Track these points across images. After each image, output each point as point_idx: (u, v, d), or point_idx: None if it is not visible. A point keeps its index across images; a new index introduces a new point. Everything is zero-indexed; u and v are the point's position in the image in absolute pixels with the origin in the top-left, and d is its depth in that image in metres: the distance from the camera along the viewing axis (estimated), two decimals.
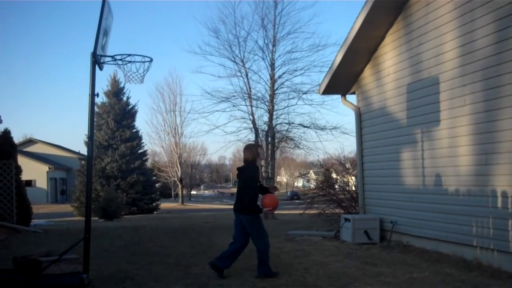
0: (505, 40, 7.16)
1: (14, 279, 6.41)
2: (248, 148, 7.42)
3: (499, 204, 7.32)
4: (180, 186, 58.41)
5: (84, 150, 54.08)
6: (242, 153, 7.82)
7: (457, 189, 8.24)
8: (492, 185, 7.46)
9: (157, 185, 48.70)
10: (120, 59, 7.06)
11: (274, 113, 24.66)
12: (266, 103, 24.77)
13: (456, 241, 8.26)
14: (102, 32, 6.74)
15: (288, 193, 73.24)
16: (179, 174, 56.46)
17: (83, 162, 42.15)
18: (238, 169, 7.39)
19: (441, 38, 8.53)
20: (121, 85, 42.28)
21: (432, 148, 8.90)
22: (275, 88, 24.71)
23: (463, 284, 6.47)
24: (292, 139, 25.78)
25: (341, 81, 11.39)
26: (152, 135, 61.95)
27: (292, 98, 24.93)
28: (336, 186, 15.04)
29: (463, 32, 8.00)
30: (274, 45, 24.93)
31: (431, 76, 8.83)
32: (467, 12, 7.87)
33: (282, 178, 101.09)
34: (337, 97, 12.16)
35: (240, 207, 7.18)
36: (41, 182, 52.82)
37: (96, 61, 6.73)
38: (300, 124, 25.11)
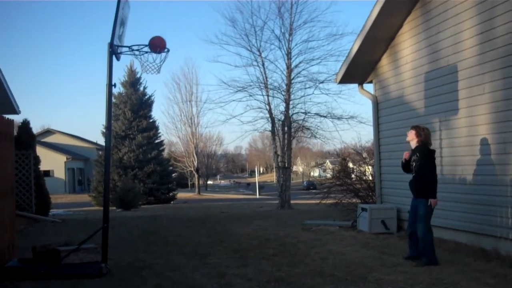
0: None
1: (33, 268, 6.50)
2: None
3: None
4: (196, 176, 58.68)
5: (101, 140, 54.51)
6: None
7: (475, 179, 8.16)
8: (511, 175, 7.37)
9: (173, 175, 48.90)
10: (137, 49, 7.08)
11: (291, 102, 24.57)
12: (283, 93, 24.68)
13: (474, 231, 8.19)
14: (119, 22, 6.76)
15: (304, 182, 73.27)
16: (195, 164, 56.66)
17: (100, 152, 42.47)
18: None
19: (460, 26, 8.41)
20: (138, 75, 42.29)
21: (450, 137, 8.81)
22: (292, 77, 24.58)
23: (481, 274, 6.42)
24: (308, 129, 25.70)
25: (358, 70, 11.31)
26: (169, 125, 62.56)
27: (308, 88, 24.82)
28: (353, 176, 14.99)
29: (482, 20, 7.88)
30: (290, 34, 24.78)
31: (449, 65, 8.72)
32: None
33: (298, 167, 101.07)
34: (354, 86, 12.09)
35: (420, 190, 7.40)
36: (59, 172, 53.35)
37: (113, 51, 6.76)
38: (317, 114, 25.02)
